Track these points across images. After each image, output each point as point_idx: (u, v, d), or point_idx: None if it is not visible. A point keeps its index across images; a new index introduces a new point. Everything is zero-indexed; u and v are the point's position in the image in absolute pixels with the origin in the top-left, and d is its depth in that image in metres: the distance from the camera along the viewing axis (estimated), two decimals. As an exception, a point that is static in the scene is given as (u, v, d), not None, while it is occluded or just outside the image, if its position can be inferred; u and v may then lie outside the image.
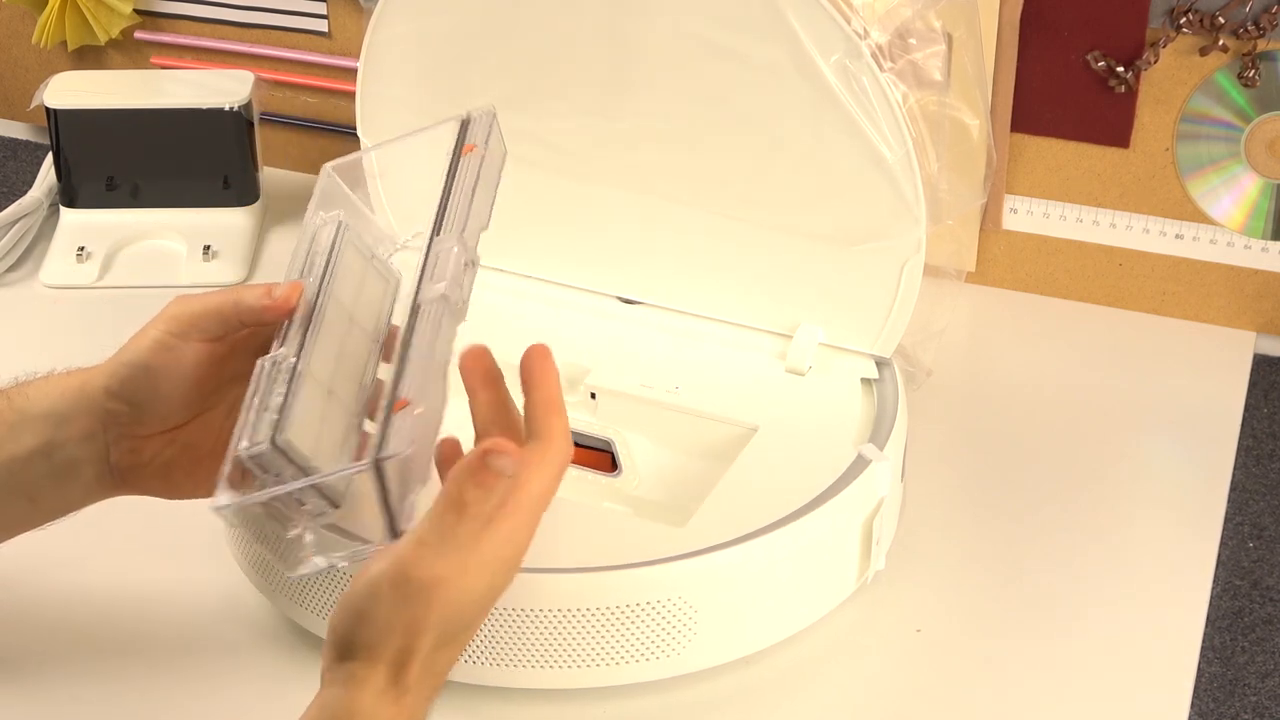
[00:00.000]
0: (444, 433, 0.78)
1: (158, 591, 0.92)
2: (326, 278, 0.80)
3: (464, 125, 0.84)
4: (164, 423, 0.82)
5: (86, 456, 0.82)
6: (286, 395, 0.74)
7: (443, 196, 0.82)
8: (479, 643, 0.82)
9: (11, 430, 0.82)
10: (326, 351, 0.78)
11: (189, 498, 0.84)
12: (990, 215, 1.17)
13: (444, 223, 0.81)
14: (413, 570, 0.71)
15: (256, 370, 0.76)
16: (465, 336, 0.90)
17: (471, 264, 0.81)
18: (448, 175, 0.82)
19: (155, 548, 0.95)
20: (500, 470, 0.72)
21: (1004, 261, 1.19)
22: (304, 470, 0.73)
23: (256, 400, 0.75)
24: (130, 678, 0.87)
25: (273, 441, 0.72)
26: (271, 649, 0.89)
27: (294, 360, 0.76)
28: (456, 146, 0.83)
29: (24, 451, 0.82)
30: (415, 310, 0.78)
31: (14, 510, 0.84)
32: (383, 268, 0.86)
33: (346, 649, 0.72)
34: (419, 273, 0.80)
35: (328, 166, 0.85)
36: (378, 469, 0.72)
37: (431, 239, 0.81)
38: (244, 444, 0.73)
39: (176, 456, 0.83)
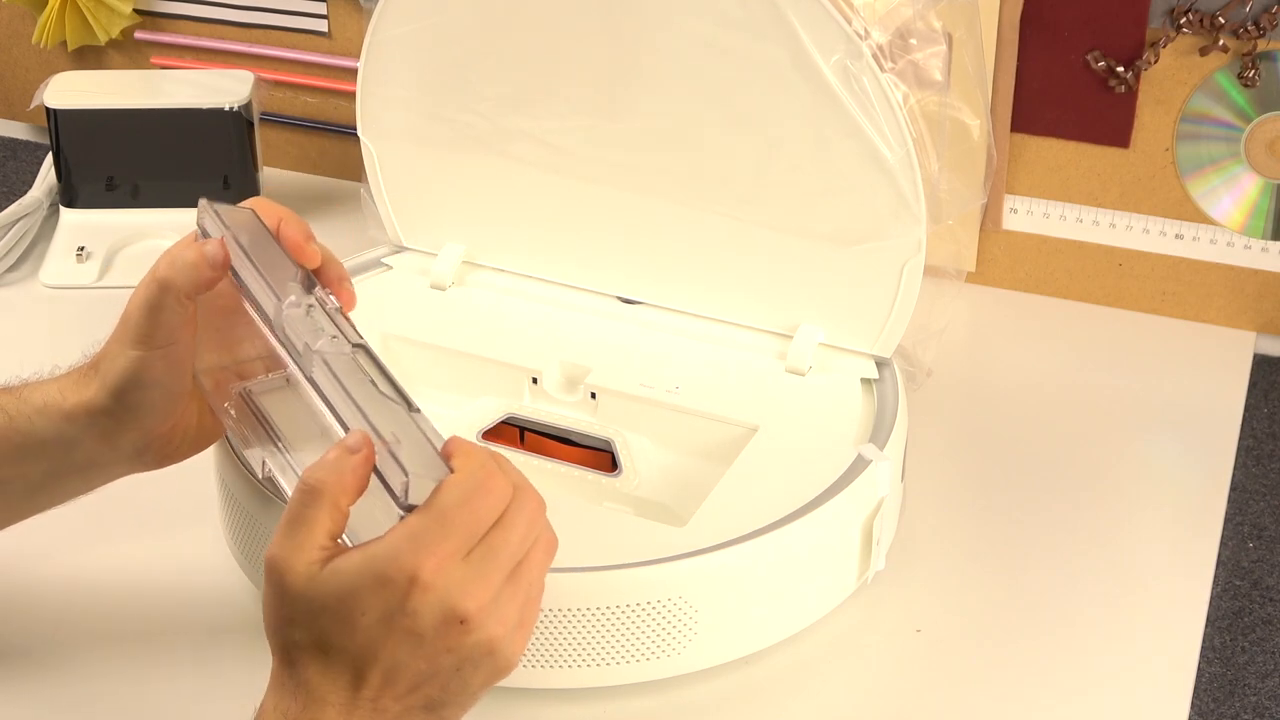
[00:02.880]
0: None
1: (148, 578, 0.93)
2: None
3: (202, 232, 0.81)
4: (173, 405, 0.82)
5: (113, 460, 0.83)
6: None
7: (247, 295, 0.79)
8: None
9: (22, 451, 0.82)
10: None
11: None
12: (990, 215, 1.17)
13: (264, 306, 0.79)
14: (266, 556, 0.70)
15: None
16: (458, 334, 0.90)
17: (312, 304, 0.78)
18: (233, 274, 0.80)
19: (148, 535, 0.95)
20: (351, 447, 0.69)
21: (1004, 261, 1.19)
22: None
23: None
24: (117, 662, 0.87)
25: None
26: (255, 635, 0.89)
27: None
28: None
29: (48, 466, 0.83)
30: (318, 374, 0.75)
31: (40, 505, 0.85)
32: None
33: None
34: (287, 352, 0.77)
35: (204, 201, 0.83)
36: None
37: (271, 327, 0.78)
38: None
39: (201, 412, 0.83)
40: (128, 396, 0.81)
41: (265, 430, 0.80)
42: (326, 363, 0.74)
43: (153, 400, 0.81)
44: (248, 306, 0.80)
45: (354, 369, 0.74)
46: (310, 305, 0.77)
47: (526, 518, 0.71)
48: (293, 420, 0.80)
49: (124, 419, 0.81)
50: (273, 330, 0.77)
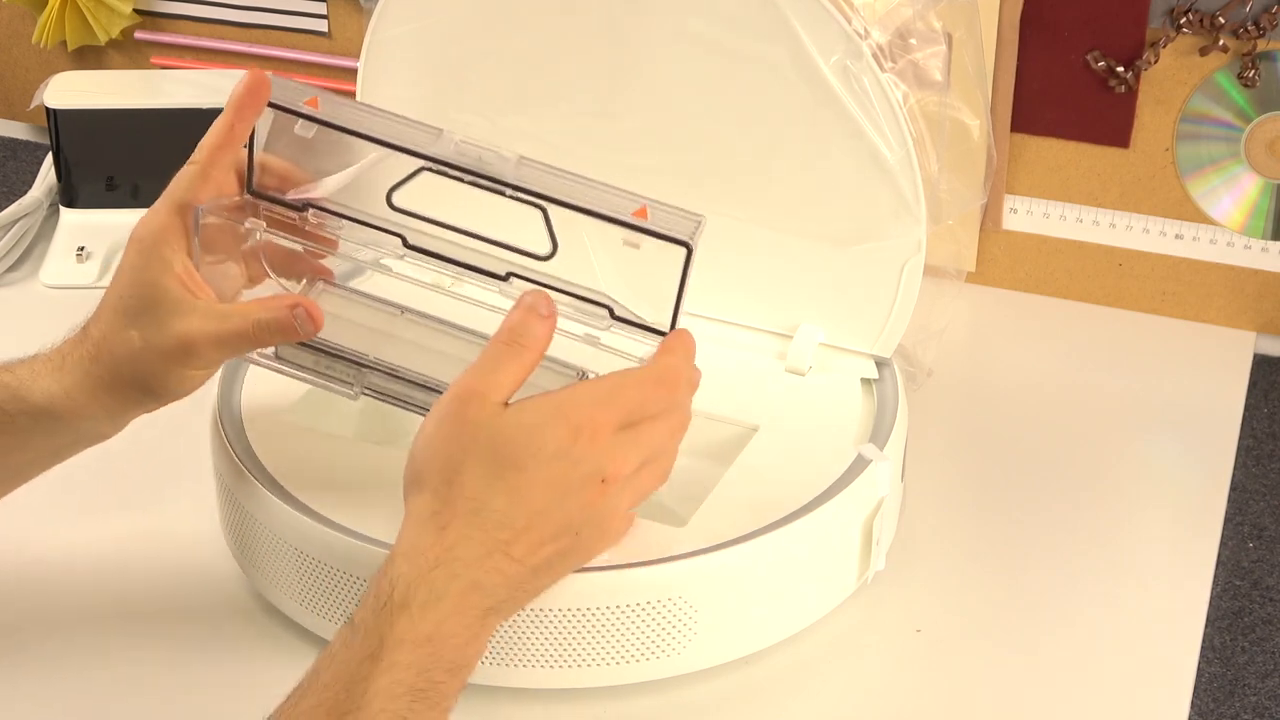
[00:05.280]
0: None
1: (143, 570, 0.93)
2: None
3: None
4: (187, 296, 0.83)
5: (112, 429, 0.85)
6: None
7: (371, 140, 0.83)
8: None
9: (24, 434, 0.83)
10: None
11: None
12: (990, 215, 1.17)
13: (417, 142, 0.83)
14: (455, 389, 0.75)
15: None
16: (461, 337, 0.90)
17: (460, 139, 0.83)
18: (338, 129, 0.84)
19: (143, 528, 0.96)
20: (533, 306, 0.77)
21: (1004, 261, 1.19)
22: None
23: None
24: (109, 655, 0.88)
25: None
26: (251, 628, 0.89)
27: None
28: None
29: (50, 447, 0.84)
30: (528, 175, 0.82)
31: (33, 473, 0.87)
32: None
33: (410, 482, 0.76)
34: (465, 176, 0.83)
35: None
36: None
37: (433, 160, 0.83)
38: None
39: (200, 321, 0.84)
40: (134, 370, 0.82)
41: (323, 353, 0.85)
42: (532, 165, 0.82)
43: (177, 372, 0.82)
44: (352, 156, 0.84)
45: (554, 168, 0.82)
46: (459, 140, 0.82)
47: (676, 423, 0.80)
48: (347, 330, 0.86)
49: (148, 397, 0.83)
50: (436, 162, 0.82)
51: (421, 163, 0.82)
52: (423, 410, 0.83)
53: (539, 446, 0.75)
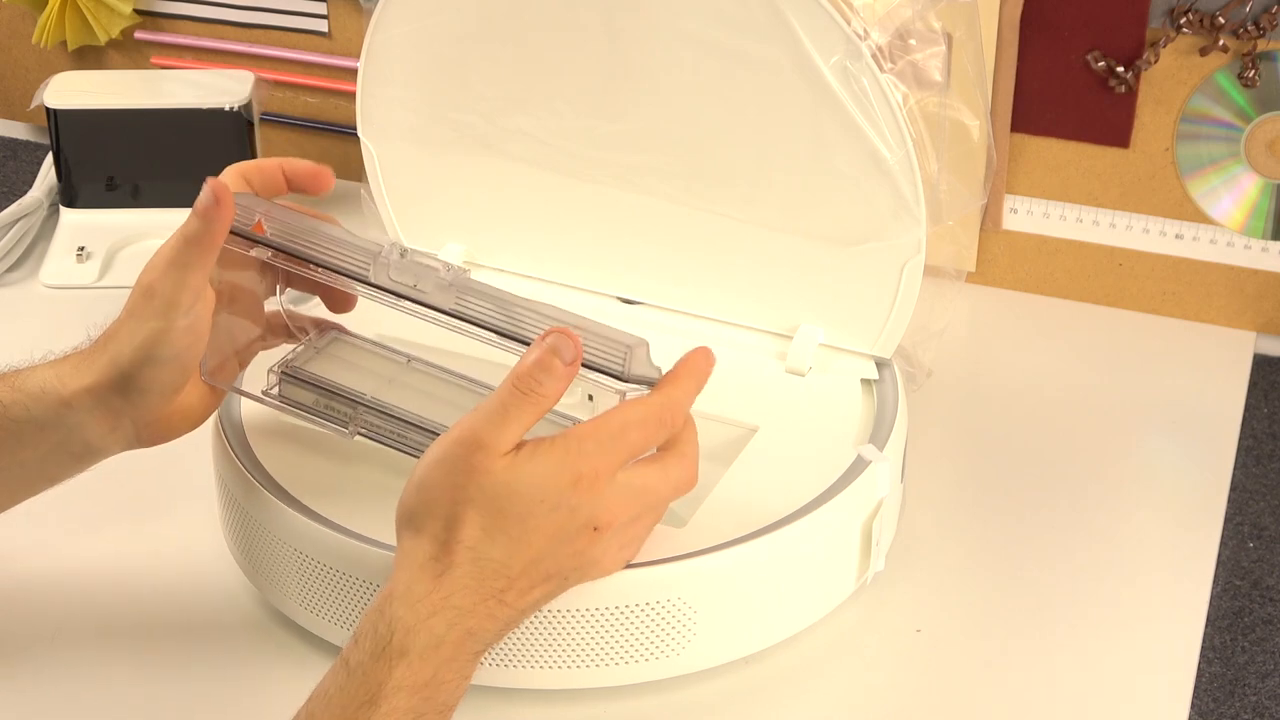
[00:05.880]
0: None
1: (144, 576, 0.93)
2: None
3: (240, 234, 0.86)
4: (183, 382, 0.83)
5: (112, 443, 0.84)
6: None
7: (310, 260, 0.85)
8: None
9: (17, 438, 0.82)
10: None
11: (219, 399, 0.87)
12: (990, 215, 1.17)
13: (351, 263, 0.84)
14: (459, 432, 0.74)
15: None
16: (458, 334, 0.90)
17: (404, 249, 0.84)
18: (275, 249, 0.85)
19: (145, 534, 0.96)
20: (556, 348, 0.75)
21: (1004, 261, 1.19)
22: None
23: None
24: (114, 662, 0.88)
25: None
26: (256, 636, 0.89)
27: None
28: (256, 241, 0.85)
29: (43, 451, 0.83)
30: (470, 301, 0.82)
31: (33, 489, 0.86)
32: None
33: (404, 520, 0.75)
34: (396, 295, 0.83)
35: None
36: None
37: (365, 279, 0.84)
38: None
39: (199, 391, 0.84)
40: (140, 375, 0.81)
41: (324, 391, 0.86)
42: (472, 288, 0.81)
43: (165, 378, 0.81)
44: (290, 276, 0.86)
45: (494, 291, 0.81)
46: (403, 250, 0.83)
47: (679, 482, 0.79)
48: (350, 373, 0.88)
49: (132, 398, 0.82)
50: (368, 282, 0.83)
51: (361, 287, 0.84)
52: (416, 451, 0.84)
53: (541, 499, 0.75)
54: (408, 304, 0.83)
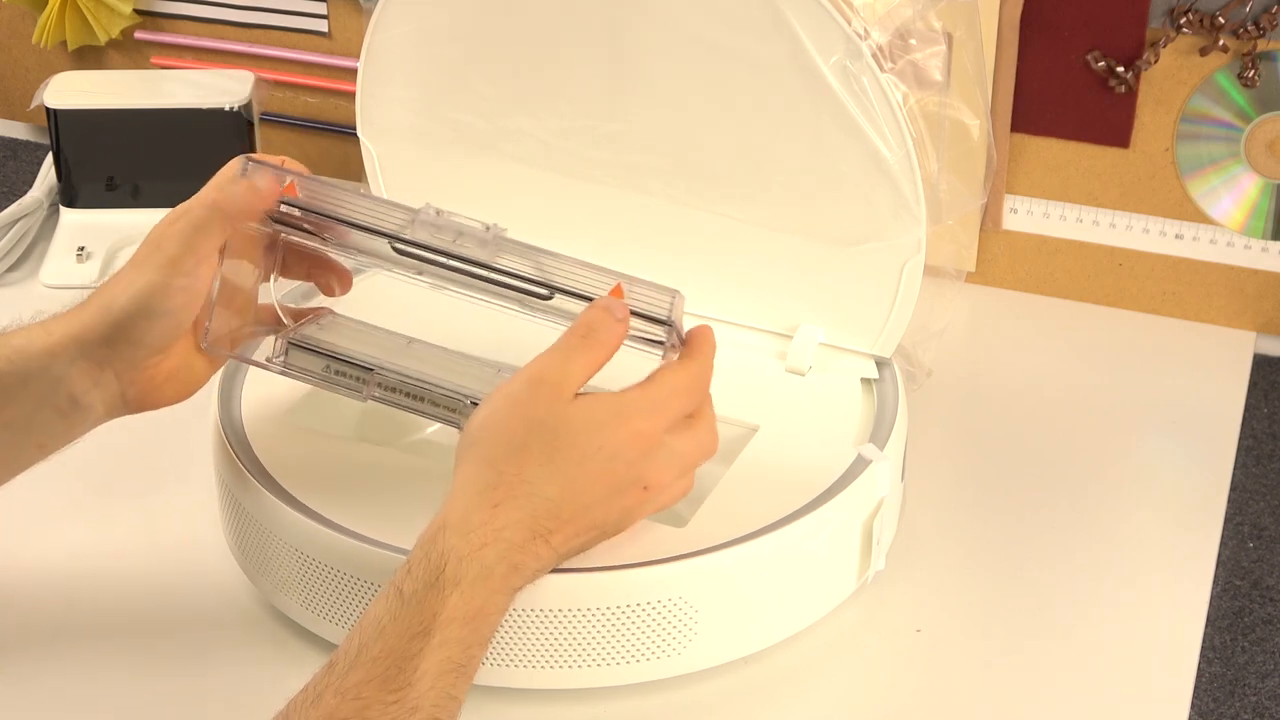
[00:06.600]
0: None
1: (145, 574, 0.93)
2: None
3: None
4: (172, 341, 0.83)
5: (97, 399, 0.83)
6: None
7: (341, 222, 0.85)
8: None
9: (7, 392, 0.82)
10: None
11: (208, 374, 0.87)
12: (990, 215, 1.17)
13: (385, 222, 0.85)
14: (529, 372, 0.78)
15: None
16: (466, 340, 0.90)
17: (439, 210, 0.85)
18: (305, 213, 0.85)
19: (145, 531, 0.96)
20: (609, 308, 0.79)
21: (1004, 261, 1.19)
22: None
23: None
24: (113, 660, 0.88)
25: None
26: (255, 634, 0.89)
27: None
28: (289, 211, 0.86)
29: (28, 408, 0.83)
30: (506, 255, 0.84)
31: (22, 456, 0.85)
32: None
33: (466, 447, 0.77)
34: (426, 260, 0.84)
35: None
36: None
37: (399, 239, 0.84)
38: None
39: (184, 352, 0.84)
40: (132, 324, 0.81)
41: (334, 358, 0.87)
42: (511, 244, 0.83)
43: (156, 332, 0.82)
44: (320, 239, 0.86)
45: (532, 248, 0.84)
46: (438, 210, 0.84)
47: (708, 443, 0.82)
48: (358, 344, 0.88)
49: (119, 348, 0.82)
50: (406, 239, 0.84)
51: (394, 243, 0.84)
52: (431, 417, 0.85)
53: (599, 445, 0.77)
54: (439, 267, 0.84)
